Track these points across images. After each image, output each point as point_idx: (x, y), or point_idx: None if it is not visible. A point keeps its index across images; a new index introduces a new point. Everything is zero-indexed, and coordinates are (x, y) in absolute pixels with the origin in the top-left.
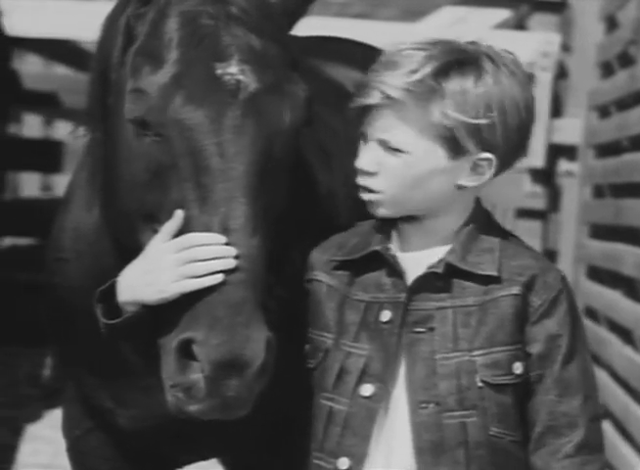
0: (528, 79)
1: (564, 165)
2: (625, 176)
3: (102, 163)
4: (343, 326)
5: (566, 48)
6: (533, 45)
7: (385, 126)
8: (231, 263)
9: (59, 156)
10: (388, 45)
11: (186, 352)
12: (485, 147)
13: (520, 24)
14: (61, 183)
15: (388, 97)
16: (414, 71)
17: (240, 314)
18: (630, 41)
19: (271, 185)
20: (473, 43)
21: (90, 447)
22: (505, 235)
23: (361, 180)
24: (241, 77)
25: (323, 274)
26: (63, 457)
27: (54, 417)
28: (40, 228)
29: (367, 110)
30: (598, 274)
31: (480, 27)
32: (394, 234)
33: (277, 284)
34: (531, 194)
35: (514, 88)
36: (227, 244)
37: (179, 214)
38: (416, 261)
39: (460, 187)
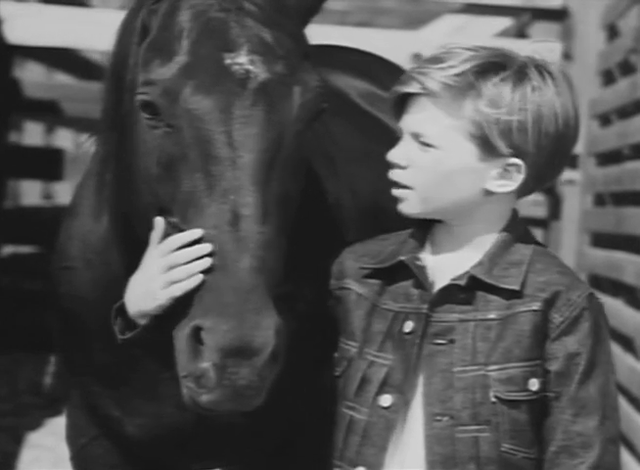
0: (575, 98)
1: (565, 174)
2: (627, 185)
3: (115, 165)
4: (369, 335)
5: (567, 56)
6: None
7: (418, 119)
8: (207, 262)
9: (60, 164)
10: (389, 53)
11: (196, 339)
12: (516, 152)
13: (520, 33)
14: (62, 191)
15: (425, 88)
16: (454, 67)
17: (249, 301)
18: (631, 49)
19: (283, 175)
20: (526, 55)
21: (95, 456)
22: (538, 249)
23: (392, 174)
24: (250, 67)
25: (354, 282)
26: (63, 465)
27: (55, 425)
28: (41, 236)
29: (405, 102)
30: (599, 283)
31: (480, 36)
32: (428, 241)
33: (297, 289)
34: (533, 202)
35: (555, 99)
36: (238, 232)
37: (160, 221)
38: (447, 272)
39: (488, 192)
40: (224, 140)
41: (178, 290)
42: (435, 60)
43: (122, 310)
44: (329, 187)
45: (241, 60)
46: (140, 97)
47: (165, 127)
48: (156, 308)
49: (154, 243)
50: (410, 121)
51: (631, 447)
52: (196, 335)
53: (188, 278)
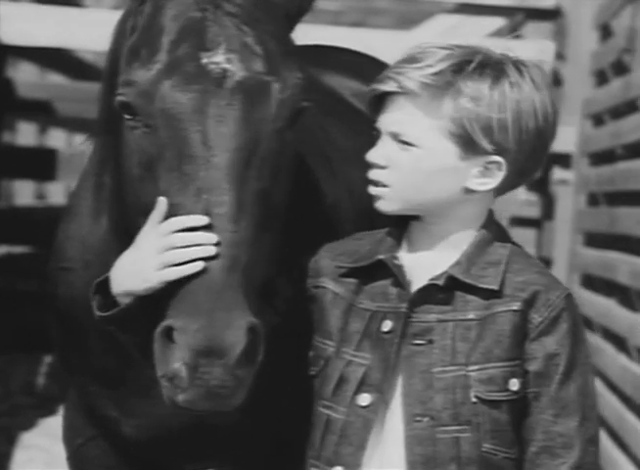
0: (551, 94)
1: (558, 174)
2: (620, 184)
3: (112, 166)
4: (346, 334)
5: (560, 56)
6: (527, 53)
7: (397, 119)
8: (211, 250)
9: (53, 164)
10: (382, 53)
11: (169, 339)
12: (497, 149)
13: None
14: (55, 191)
15: (403, 88)
16: (431, 66)
17: (220, 300)
18: (624, 49)
19: (262, 173)
20: (502, 53)
21: (92, 456)
22: (515, 250)
23: (371, 174)
24: (227, 66)
25: (330, 281)
26: (57, 465)
27: (48, 425)
28: (34, 236)
29: (382, 102)
30: (592, 282)
31: (474, 36)
32: (405, 240)
33: (281, 288)
34: (526, 202)
35: (533, 95)
36: (210, 230)
37: (162, 201)
38: (424, 271)
39: (468, 190)
40: (199, 139)
41: (174, 273)
42: (412, 59)
43: (103, 287)
44: (326, 187)
45: (217, 59)
46: (119, 98)
47: (144, 128)
48: (144, 290)
49: (153, 222)
50: (388, 121)
51: (624, 447)
52: (168, 335)
53: (186, 263)
